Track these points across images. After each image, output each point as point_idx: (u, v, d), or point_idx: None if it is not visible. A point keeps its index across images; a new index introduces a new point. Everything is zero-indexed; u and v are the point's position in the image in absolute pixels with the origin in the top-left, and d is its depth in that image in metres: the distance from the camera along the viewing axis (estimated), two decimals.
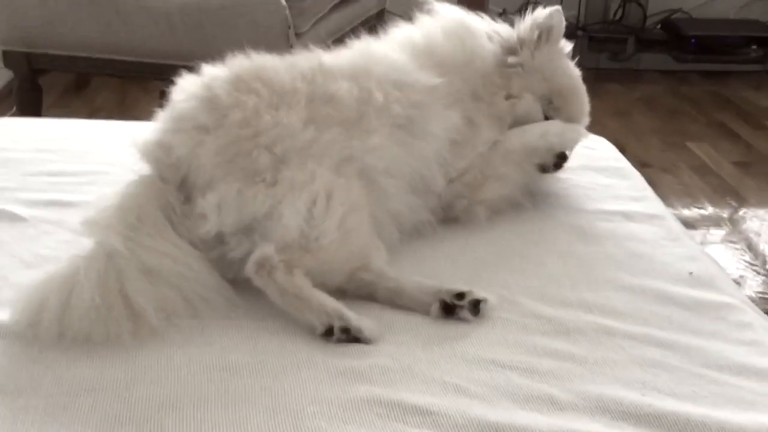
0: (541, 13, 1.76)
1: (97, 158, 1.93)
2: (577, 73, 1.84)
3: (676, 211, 3.39)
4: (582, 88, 1.84)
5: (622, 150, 3.69)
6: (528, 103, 1.77)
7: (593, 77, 5.06)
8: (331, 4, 3.36)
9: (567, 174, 1.93)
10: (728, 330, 1.40)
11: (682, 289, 1.50)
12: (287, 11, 3.02)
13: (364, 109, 1.57)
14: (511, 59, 1.75)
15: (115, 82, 4.30)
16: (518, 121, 1.77)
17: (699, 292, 1.49)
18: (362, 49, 1.70)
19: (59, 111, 3.92)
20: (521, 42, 1.76)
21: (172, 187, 1.47)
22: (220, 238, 1.44)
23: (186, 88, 1.55)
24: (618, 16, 5.31)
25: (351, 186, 1.48)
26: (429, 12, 1.79)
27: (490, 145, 1.73)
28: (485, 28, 1.79)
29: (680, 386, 1.26)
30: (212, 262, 1.44)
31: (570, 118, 1.81)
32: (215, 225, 1.42)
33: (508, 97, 1.75)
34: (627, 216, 1.77)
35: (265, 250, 1.38)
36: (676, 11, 5.32)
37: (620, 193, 1.88)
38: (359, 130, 1.55)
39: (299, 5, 3.08)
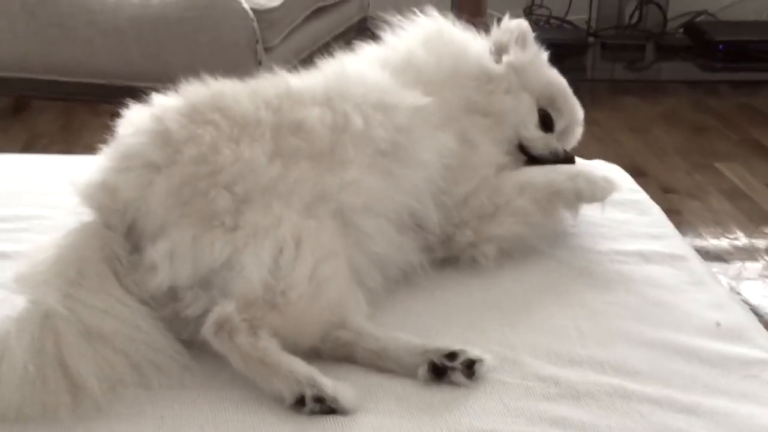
0: (508, 21, 1.85)
1: (33, 200, 1.93)
2: (564, 80, 1.92)
3: (704, 242, 3.40)
4: (571, 93, 1.91)
5: (642, 173, 3.78)
6: (524, 103, 1.82)
7: (607, 90, 5.19)
8: (305, 14, 3.37)
9: None
10: (761, 390, 1.39)
11: (708, 342, 1.50)
12: (255, 23, 3.03)
13: (339, 137, 1.57)
14: (505, 57, 1.82)
15: (59, 104, 4.29)
16: (514, 128, 1.81)
17: (727, 346, 1.49)
18: (335, 69, 1.71)
19: None
20: (500, 47, 1.84)
21: (119, 236, 1.46)
22: (173, 293, 1.43)
23: (134, 120, 1.56)
24: (634, 20, 5.36)
25: (324, 229, 1.48)
26: (408, 21, 1.83)
27: (498, 170, 1.75)
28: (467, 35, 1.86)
29: None
30: (165, 322, 1.43)
31: (571, 123, 1.88)
32: (167, 277, 1.42)
33: (507, 91, 1.80)
34: (644, 257, 1.77)
35: (225, 308, 1.38)
36: (700, 14, 5.37)
37: (637, 230, 1.88)
38: (333, 163, 1.55)
39: (268, 16, 3.09)
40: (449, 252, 1.71)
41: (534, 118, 1.83)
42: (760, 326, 1.62)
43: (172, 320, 1.44)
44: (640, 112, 4.61)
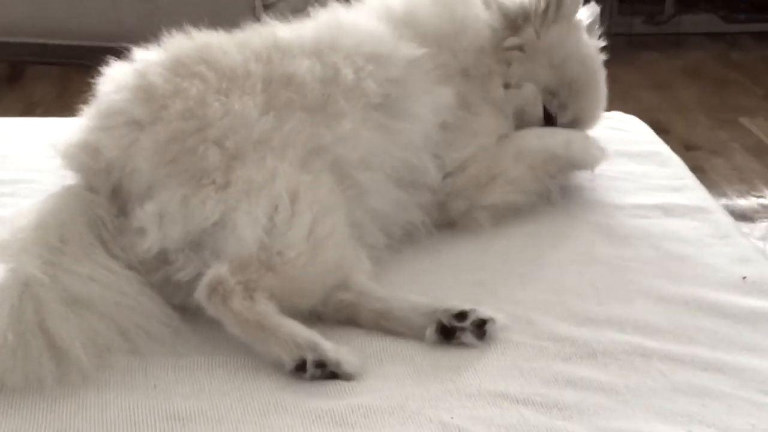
0: None
1: (20, 164, 1.91)
2: (596, 58, 1.81)
3: (730, 201, 3.37)
4: (600, 80, 1.82)
5: (664, 130, 3.74)
6: (527, 95, 1.75)
7: (626, 44, 5.15)
8: None
9: None
10: None
11: (734, 297, 1.47)
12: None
13: (331, 90, 1.54)
14: (510, 40, 1.73)
15: (55, 71, 4.29)
16: (515, 116, 1.75)
17: (754, 301, 1.46)
18: (329, 20, 1.68)
19: None
20: (525, 15, 1.73)
21: (103, 198, 1.44)
22: (163, 257, 1.41)
23: (115, 77, 1.53)
24: None
25: (320, 183, 1.45)
26: None
27: (497, 140, 1.72)
28: None
29: (734, 418, 1.22)
30: (155, 287, 1.41)
31: (577, 119, 1.79)
32: (157, 240, 1.39)
33: (506, 85, 1.74)
34: (665, 210, 1.75)
35: (219, 270, 1.35)
36: None
37: (657, 182, 1.86)
38: (327, 116, 1.52)
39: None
40: (443, 216, 1.69)
41: (534, 115, 1.77)
42: None
43: (163, 285, 1.42)
44: (661, 68, 4.58)
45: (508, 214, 1.71)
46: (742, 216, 3.28)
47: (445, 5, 1.72)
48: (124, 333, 1.34)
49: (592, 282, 1.52)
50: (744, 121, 4.02)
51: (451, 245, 1.63)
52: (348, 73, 1.56)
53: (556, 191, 1.75)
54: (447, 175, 1.67)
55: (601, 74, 1.81)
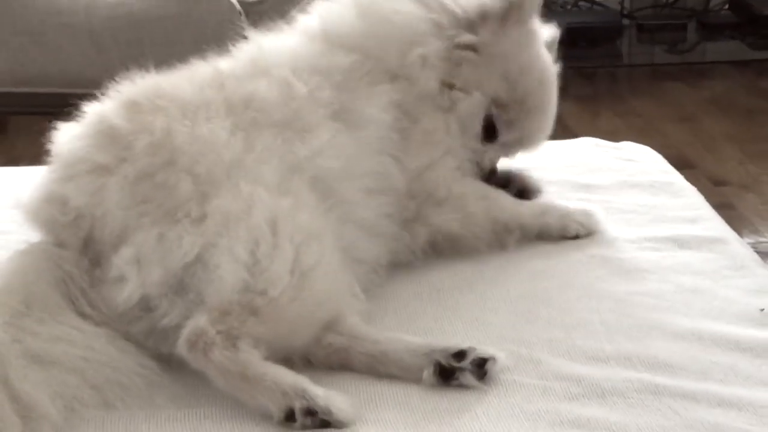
0: None
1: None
2: (554, 77, 1.81)
3: (762, 238, 3.37)
4: (554, 102, 1.81)
5: (690, 165, 3.75)
6: (473, 104, 1.73)
7: (647, 75, 5.17)
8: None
9: (600, 194, 1.94)
10: None
11: (750, 330, 1.49)
12: (243, 16, 3.05)
13: (291, 104, 1.58)
14: (464, 37, 1.71)
15: (38, 122, 4.31)
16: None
17: None
18: (258, 44, 1.71)
19: None
20: (483, 14, 1.72)
21: (73, 252, 1.46)
22: (145, 304, 1.43)
23: (70, 128, 1.56)
24: None
25: (301, 206, 1.47)
26: None
27: (454, 155, 1.72)
28: None
29: None
30: (139, 338, 1.43)
31: (521, 141, 1.80)
32: (137, 287, 1.41)
33: (450, 86, 1.72)
34: (678, 242, 1.76)
35: (198, 322, 1.37)
36: None
37: (670, 214, 1.87)
38: (297, 131, 1.56)
39: (257, 9, 3.11)
40: (416, 245, 1.71)
41: (476, 124, 1.76)
42: None
43: (148, 335, 1.44)
44: (685, 99, 4.59)
45: (446, 246, 1.72)
46: None
47: (367, 8, 1.73)
48: (95, 387, 1.36)
49: (602, 318, 1.53)
50: None
51: (449, 281, 1.65)
52: (300, 86, 1.60)
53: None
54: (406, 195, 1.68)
55: (555, 95, 1.81)
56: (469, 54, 1.72)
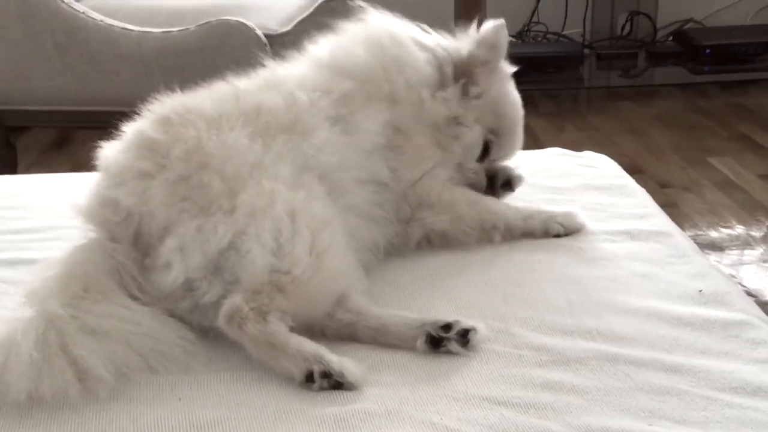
0: (487, 28, 1.74)
1: (63, 212, 1.91)
2: (519, 100, 1.84)
3: (701, 233, 3.36)
4: (522, 119, 1.84)
5: (640, 171, 3.74)
6: (477, 136, 1.76)
7: (604, 96, 5.17)
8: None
9: (566, 195, 1.93)
10: (741, 348, 1.37)
11: (691, 308, 1.49)
12: (268, 47, 3.05)
13: (294, 111, 1.58)
14: (474, 90, 1.74)
15: (99, 135, 4.31)
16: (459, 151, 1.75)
17: (709, 311, 1.47)
18: (268, 71, 1.71)
19: (39, 170, 3.94)
20: (472, 62, 1.74)
21: (125, 246, 1.47)
22: (188, 285, 1.43)
23: (113, 144, 1.56)
24: (626, 31, 5.32)
25: (313, 198, 1.48)
26: (357, 20, 1.77)
27: (439, 167, 1.72)
28: (428, 40, 1.76)
29: (691, 412, 1.24)
30: (183, 315, 1.44)
31: (505, 155, 1.82)
32: (181, 271, 1.42)
33: (458, 123, 1.74)
34: (631, 235, 1.75)
35: (234, 300, 1.38)
36: (687, 21, 5.33)
37: (624, 211, 1.87)
38: (300, 133, 1.56)
39: (280, 40, 3.11)
40: (410, 242, 1.72)
41: (478, 150, 1.77)
42: (741, 291, 1.60)
43: (192, 311, 1.44)
44: (636, 116, 4.58)
45: (438, 240, 1.72)
46: (712, 246, 3.27)
47: (374, 44, 1.72)
48: (141, 355, 1.37)
49: (567, 298, 1.53)
50: (712, 160, 4.01)
51: (443, 268, 1.65)
52: (303, 97, 1.60)
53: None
54: (402, 199, 1.69)
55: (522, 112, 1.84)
56: (475, 101, 1.74)
